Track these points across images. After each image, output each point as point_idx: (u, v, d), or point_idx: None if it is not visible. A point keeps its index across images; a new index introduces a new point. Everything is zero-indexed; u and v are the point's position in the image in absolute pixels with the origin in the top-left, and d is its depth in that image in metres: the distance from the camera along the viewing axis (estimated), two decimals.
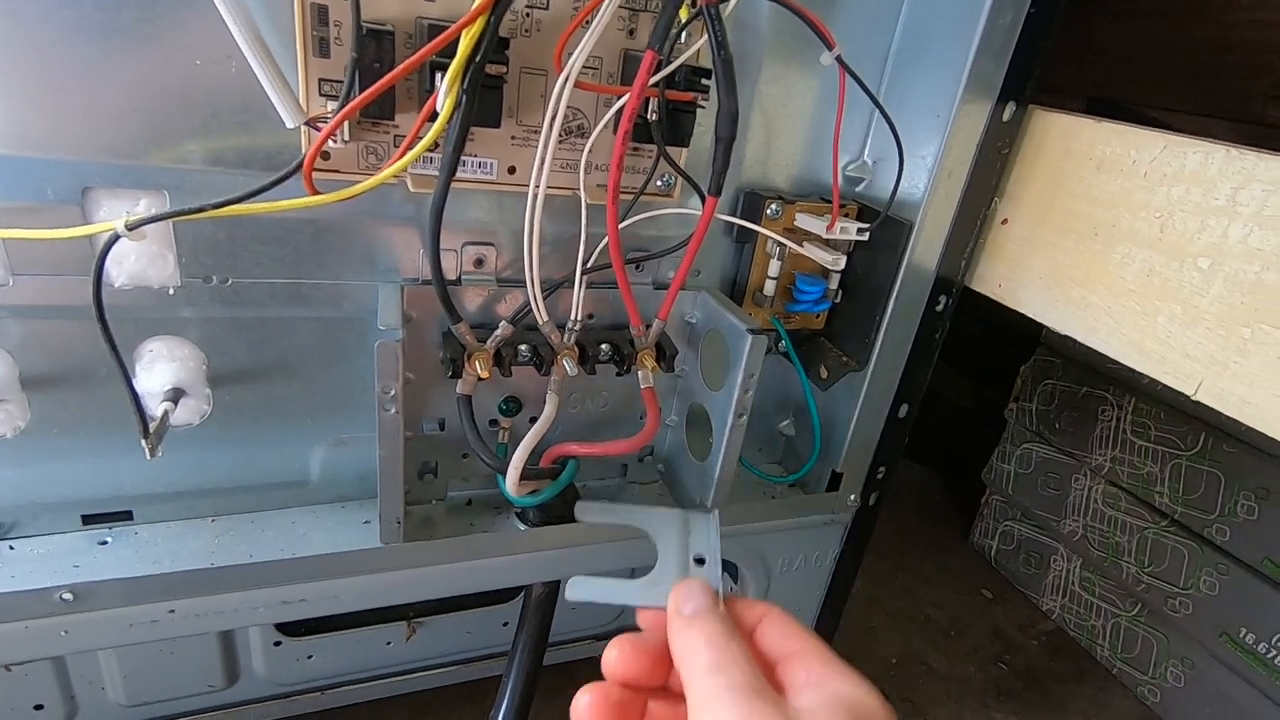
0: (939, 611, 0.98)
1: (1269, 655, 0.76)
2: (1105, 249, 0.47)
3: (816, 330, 0.60)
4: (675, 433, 0.61)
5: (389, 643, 0.68)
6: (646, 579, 0.31)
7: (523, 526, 0.53)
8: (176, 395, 0.44)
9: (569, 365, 0.49)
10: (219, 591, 0.44)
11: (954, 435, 1.29)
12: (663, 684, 0.28)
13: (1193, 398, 0.43)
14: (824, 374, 0.58)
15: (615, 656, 0.28)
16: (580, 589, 0.30)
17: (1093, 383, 0.94)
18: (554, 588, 0.56)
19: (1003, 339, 1.09)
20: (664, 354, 0.52)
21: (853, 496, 0.62)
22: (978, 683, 0.87)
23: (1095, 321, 0.48)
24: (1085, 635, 0.96)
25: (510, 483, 0.48)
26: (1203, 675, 0.83)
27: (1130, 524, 0.89)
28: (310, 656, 0.65)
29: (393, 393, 0.41)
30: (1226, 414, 0.41)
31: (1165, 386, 0.86)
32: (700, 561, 0.32)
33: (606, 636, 0.81)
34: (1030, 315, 0.53)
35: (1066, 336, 0.97)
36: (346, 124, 0.39)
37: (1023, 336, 1.03)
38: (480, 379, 0.48)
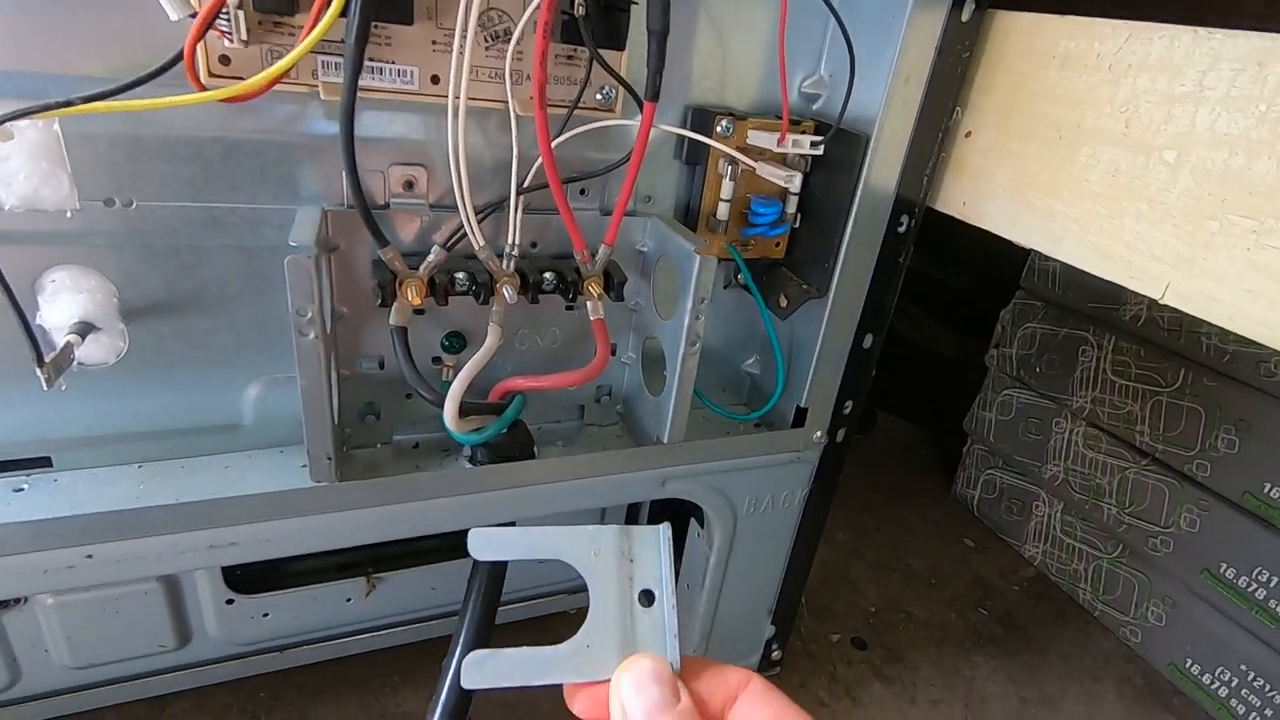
0: (920, 561, 0.97)
1: (1249, 589, 0.75)
2: (1070, 152, 0.45)
3: (776, 260, 0.57)
4: (633, 371, 0.58)
5: (348, 599, 0.66)
6: (574, 640, 0.23)
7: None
8: (85, 329, 0.41)
9: (509, 293, 0.47)
10: (141, 535, 0.42)
11: (939, 389, 1.28)
12: None
13: (1160, 301, 0.41)
14: (783, 303, 0.56)
15: None
16: (479, 674, 0.22)
17: (1073, 324, 0.92)
18: None
19: (987, 289, 1.07)
20: (612, 282, 0.50)
21: (819, 433, 0.60)
22: (958, 629, 0.86)
23: (1061, 230, 0.46)
24: (1067, 580, 0.95)
25: (449, 416, 0.45)
26: (1183, 612, 0.82)
27: (1111, 465, 0.88)
28: (266, 615, 0.63)
29: (309, 315, 0.38)
30: (1193, 314, 0.39)
31: (1145, 323, 0.84)
32: (648, 600, 0.24)
33: (580, 589, 0.79)
34: (994, 230, 0.50)
35: (1045, 278, 0.95)
36: (244, 23, 0.36)
37: (1007, 285, 1.01)
38: (414, 307, 0.45)
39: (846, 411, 0.61)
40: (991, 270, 1.08)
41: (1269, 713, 0.74)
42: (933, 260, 1.45)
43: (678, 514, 0.68)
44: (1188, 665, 0.81)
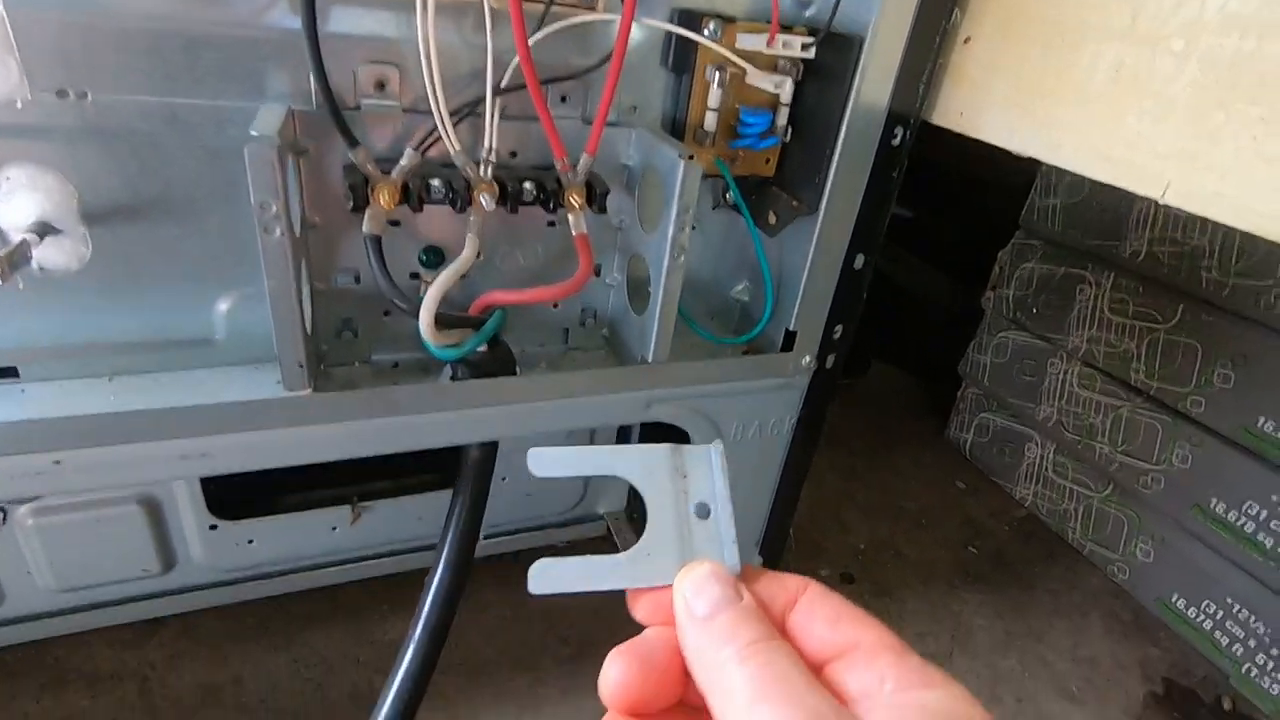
0: (911, 503, 0.97)
1: (1238, 523, 0.75)
2: (1073, 53, 0.43)
3: (766, 178, 0.55)
4: (618, 294, 0.57)
5: (334, 528, 0.66)
6: (634, 549, 0.23)
7: None
8: (44, 229, 0.40)
9: (486, 201, 0.45)
10: (111, 442, 0.41)
11: (935, 336, 1.27)
12: (679, 699, 0.21)
13: (1160, 201, 0.39)
14: (772, 220, 0.54)
15: (615, 679, 0.20)
16: (544, 580, 0.23)
17: (1071, 262, 0.90)
18: (490, 452, 0.53)
19: (985, 236, 1.05)
20: (594, 193, 0.48)
21: (807, 358, 0.59)
22: (946, 566, 0.87)
23: (1060, 136, 0.44)
24: (1057, 519, 0.95)
25: (424, 325, 0.44)
26: (1171, 549, 0.82)
27: (1105, 404, 0.87)
28: (251, 542, 0.63)
29: (273, 210, 0.37)
30: (1194, 212, 0.37)
31: (1145, 259, 0.82)
32: (704, 513, 0.25)
33: (569, 523, 0.79)
34: (991, 141, 0.48)
35: (1045, 217, 0.93)
36: None
37: (1006, 231, 0.99)
38: (387, 215, 0.44)
39: (837, 337, 0.59)
40: (990, 217, 1.06)
41: (1252, 643, 0.75)
42: (932, 209, 1.43)
43: (665, 439, 0.67)
44: (1174, 600, 0.82)
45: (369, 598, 0.70)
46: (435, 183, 0.45)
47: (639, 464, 0.24)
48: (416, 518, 0.69)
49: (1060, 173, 0.93)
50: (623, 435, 0.77)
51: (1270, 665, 0.73)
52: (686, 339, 0.61)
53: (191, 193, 0.43)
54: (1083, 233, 0.89)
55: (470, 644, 0.68)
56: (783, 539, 0.71)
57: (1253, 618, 0.75)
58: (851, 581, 0.82)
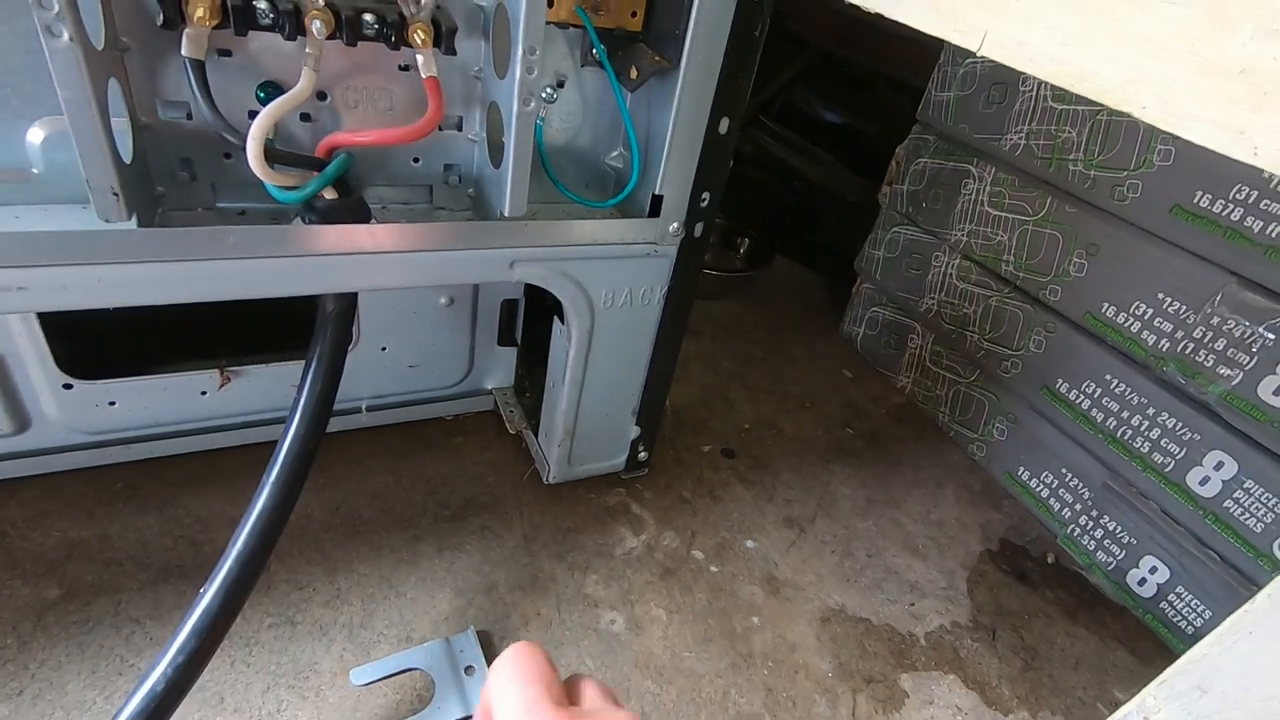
0: (798, 388, 1.02)
1: (1077, 401, 0.82)
2: None
3: (634, 33, 0.54)
4: (481, 149, 0.56)
5: (203, 392, 0.65)
6: (426, 711, 0.46)
7: None
8: None
9: (317, 28, 0.43)
10: None
11: (840, 233, 1.30)
12: None
13: (978, 53, 0.40)
14: (634, 74, 0.54)
15: None
16: None
17: (959, 157, 0.93)
18: (347, 305, 0.53)
19: (898, 136, 1.06)
20: (441, 31, 0.46)
21: (675, 224, 0.60)
22: (822, 444, 0.93)
23: None
24: (930, 405, 1.02)
25: (253, 158, 0.43)
26: (1022, 427, 0.89)
27: (978, 294, 0.92)
28: (113, 403, 0.62)
29: (55, 8, 0.34)
30: (1005, 63, 0.39)
31: (1022, 152, 0.85)
32: (469, 670, 0.49)
33: (456, 397, 0.80)
34: None
35: (940, 110, 0.95)
36: None
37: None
38: (204, 29, 0.41)
39: (704, 204, 0.60)
40: (902, 116, 1.06)
41: (1078, 507, 0.84)
42: (849, 110, 1.43)
43: (549, 316, 0.68)
44: (1019, 472, 0.90)
45: (247, 464, 0.70)
46: (261, 4, 0.42)
47: (425, 655, 0.40)
48: (291, 385, 0.69)
49: (955, 65, 0.94)
50: (508, 311, 0.77)
51: (1090, 525, 0.82)
52: (559, 205, 0.61)
53: None
54: (971, 127, 0.91)
55: (352, 507, 0.70)
56: (659, 407, 0.75)
57: (1081, 485, 0.84)
58: (732, 456, 0.87)
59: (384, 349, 0.71)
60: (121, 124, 0.43)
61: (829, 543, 0.78)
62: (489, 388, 0.82)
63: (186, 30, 0.41)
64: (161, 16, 0.39)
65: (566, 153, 0.61)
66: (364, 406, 0.74)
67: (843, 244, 1.23)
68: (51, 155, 0.45)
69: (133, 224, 0.43)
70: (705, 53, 0.52)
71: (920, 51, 1.06)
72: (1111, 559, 0.80)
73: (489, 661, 0.57)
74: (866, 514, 0.83)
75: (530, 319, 0.78)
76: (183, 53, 0.41)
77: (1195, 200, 0.70)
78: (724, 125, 0.56)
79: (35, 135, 0.44)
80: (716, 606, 0.68)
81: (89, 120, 0.37)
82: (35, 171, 0.45)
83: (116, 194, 0.40)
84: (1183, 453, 0.72)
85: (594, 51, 0.55)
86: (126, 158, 0.42)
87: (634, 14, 0.53)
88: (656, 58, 0.52)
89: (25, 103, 0.43)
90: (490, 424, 0.82)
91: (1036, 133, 0.83)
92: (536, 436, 0.77)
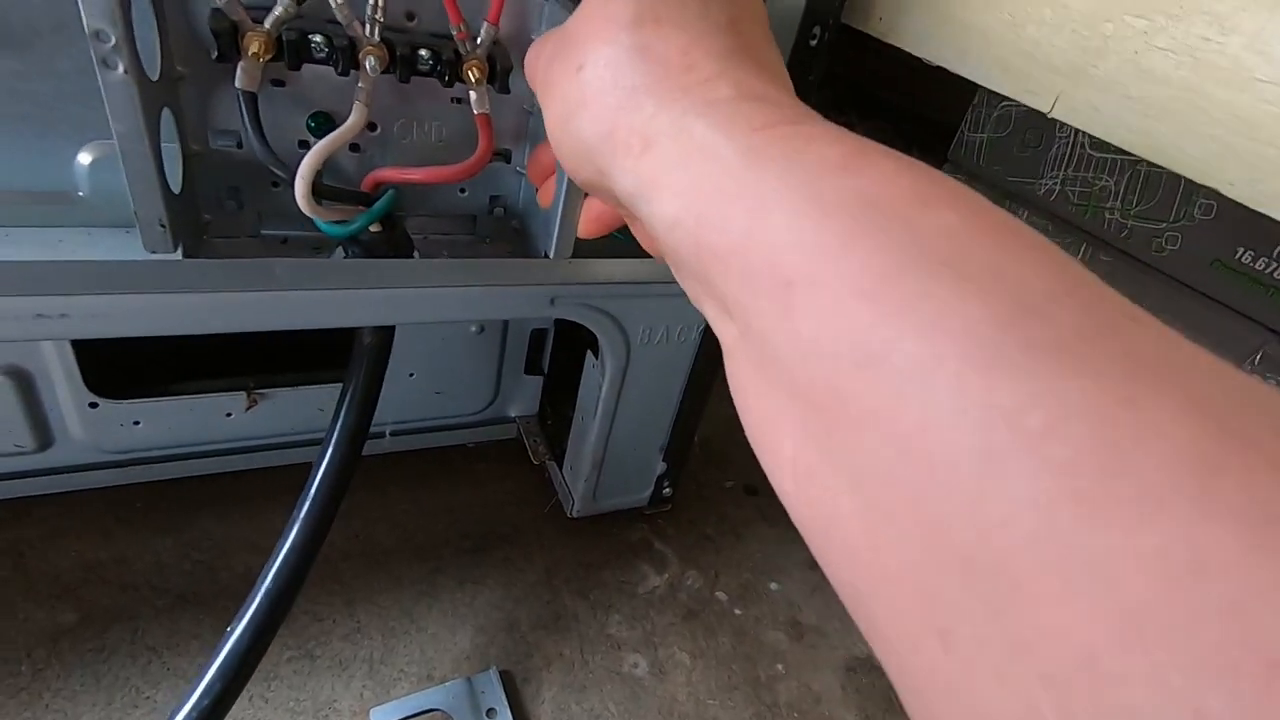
0: None
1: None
2: None
3: None
4: (529, 184, 0.55)
5: (229, 414, 0.64)
6: None
7: None
8: None
9: (371, 65, 0.42)
10: None
11: None
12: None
13: (1049, 114, 0.40)
14: None
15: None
16: None
17: (992, 198, 0.91)
18: (384, 339, 0.52)
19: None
20: (496, 69, 0.46)
21: None
22: None
23: (968, 43, 0.44)
24: None
25: (300, 195, 0.42)
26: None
27: None
28: (137, 423, 0.61)
29: (112, 41, 0.33)
30: (1077, 125, 0.38)
31: (1057, 198, 0.85)
32: (491, 713, 0.52)
33: (480, 424, 0.79)
34: (906, 47, 0.48)
35: (972, 151, 0.94)
36: None
37: (941, 164, 1.00)
38: (260, 67, 0.41)
39: None
40: (927, 150, 1.06)
41: None
42: (871, 135, 1.42)
43: (578, 350, 0.67)
44: None
45: (268, 487, 0.69)
46: (316, 39, 0.42)
47: (448, 695, 0.42)
48: (318, 409, 0.68)
49: (989, 107, 0.93)
50: (536, 342, 0.76)
51: None
52: (601, 241, 0.60)
53: (34, 24, 0.39)
54: (1004, 169, 0.90)
55: (372, 535, 0.69)
56: (687, 445, 0.73)
57: None
58: (755, 493, 0.86)
59: (411, 375, 0.71)
60: (172, 151, 0.43)
61: None
62: (512, 416, 0.81)
63: (241, 63, 0.40)
64: (216, 51, 0.39)
65: None
66: (388, 432, 0.73)
67: None
68: (97, 179, 0.44)
69: (178, 254, 0.42)
70: None
71: (951, 89, 1.06)
72: None
73: (511, 704, 0.56)
74: None
75: (557, 348, 0.77)
76: (236, 85, 0.40)
77: (1237, 256, 0.69)
78: None
79: (84, 159, 0.44)
80: (740, 652, 0.67)
81: (141, 153, 0.37)
82: (80, 194, 0.45)
83: (164, 226, 0.40)
84: None
85: None
86: (176, 187, 0.42)
87: None
88: None
89: (74, 127, 0.43)
90: (512, 452, 0.81)
91: (1072, 179, 0.83)
92: (560, 468, 0.76)
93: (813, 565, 0.78)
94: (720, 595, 0.72)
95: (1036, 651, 0.12)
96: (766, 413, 0.20)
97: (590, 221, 0.37)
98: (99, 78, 0.34)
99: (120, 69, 0.34)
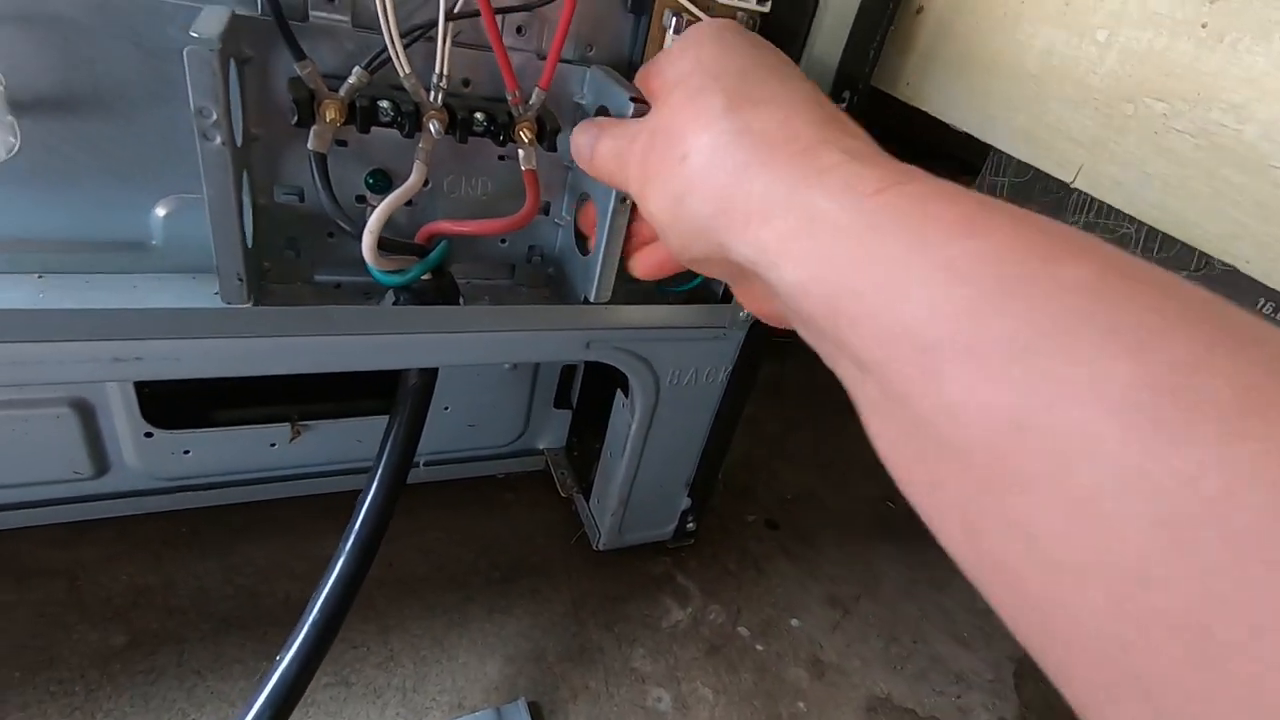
0: (839, 457, 1.02)
1: None
2: (1012, 30, 0.44)
3: None
4: (566, 233, 0.58)
5: (273, 444, 0.67)
6: None
7: None
8: None
9: (435, 128, 0.45)
10: (42, 339, 0.41)
11: None
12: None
13: (1071, 185, 0.42)
14: None
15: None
16: None
17: None
18: (429, 379, 0.54)
19: None
20: (545, 129, 0.49)
21: (745, 311, 0.61)
22: (865, 517, 0.92)
23: (993, 111, 0.46)
24: None
25: (367, 249, 0.45)
26: None
27: None
28: (187, 452, 0.64)
29: (213, 117, 0.37)
30: (1098, 198, 0.40)
31: None
32: None
33: (510, 456, 0.81)
34: (933, 113, 0.50)
35: (992, 194, 0.96)
36: None
37: None
38: (333, 133, 0.44)
39: None
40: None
41: None
42: None
43: (607, 386, 0.69)
44: None
45: (307, 514, 0.72)
46: (384, 104, 0.45)
47: None
48: (357, 440, 0.71)
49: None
50: (565, 381, 0.79)
51: None
52: (630, 285, 0.63)
53: (125, 90, 0.42)
54: None
55: (405, 563, 0.71)
56: (712, 481, 0.75)
57: None
58: (776, 528, 0.87)
59: (446, 409, 0.73)
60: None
61: (874, 625, 0.78)
62: (541, 448, 0.83)
63: (315, 127, 0.43)
64: (296, 117, 0.42)
65: None
66: (422, 462, 0.76)
67: None
68: (171, 229, 0.48)
69: (249, 303, 0.45)
70: None
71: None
72: None
73: None
74: (911, 596, 0.83)
75: (585, 382, 0.80)
76: (309, 147, 0.43)
77: (1259, 307, 0.70)
78: None
79: (160, 210, 0.47)
80: (762, 689, 0.68)
81: (228, 213, 0.40)
82: (154, 243, 0.48)
83: (241, 280, 0.42)
84: None
85: None
86: (249, 242, 0.45)
87: None
88: None
89: (154, 182, 0.46)
90: (540, 483, 0.83)
91: (1093, 225, 0.84)
92: (587, 500, 0.78)
93: (833, 602, 0.79)
94: (742, 630, 0.73)
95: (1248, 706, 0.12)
96: (923, 473, 0.20)
97: (651, 266, 0.40)
98: (198, 148, 0.37)
99: (218, 140, 0.37)
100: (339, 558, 0.51)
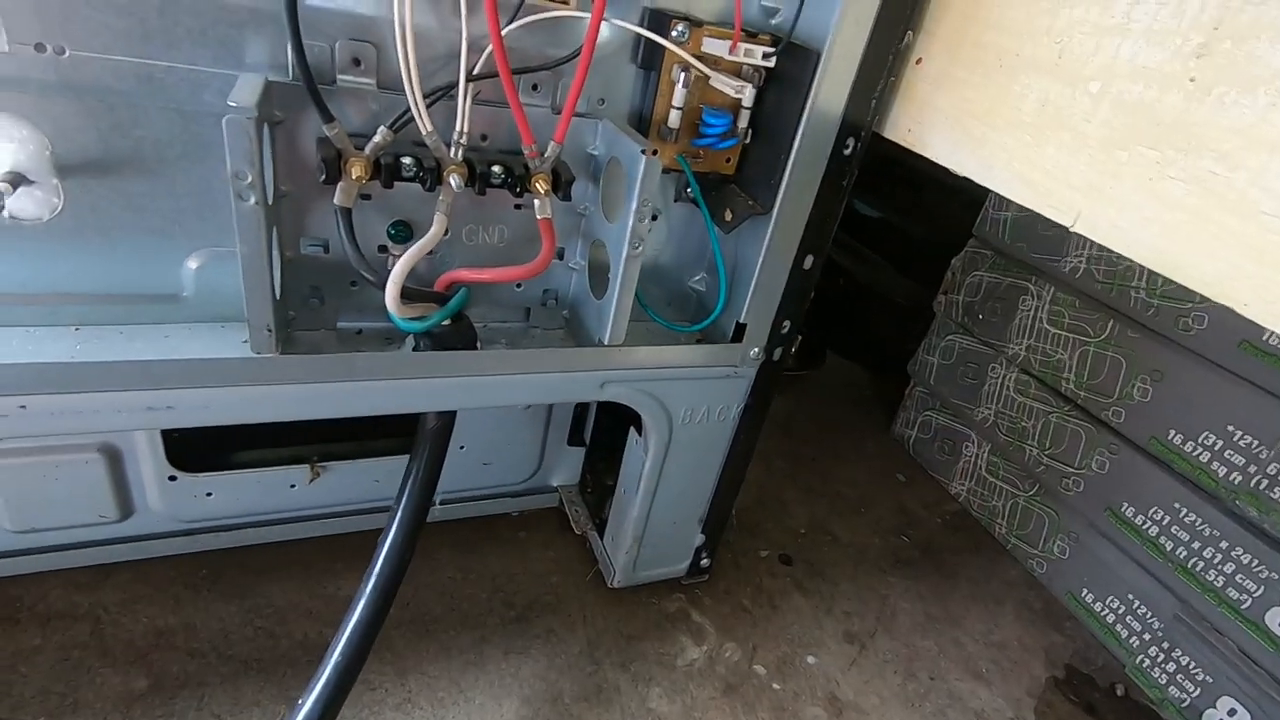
0: (851, 490, 1.02)
1: (1144, 526, 0.81)
2: (1008, 81, 0.46)
3: (726, 176, 0.58)
4: (580, 277, 0.60)
5: (293, 485, 0.68)
6: None
7: None
8: (16, 180, 0.41)
9: (455, 181, 0.47)
10: (78, 390, 0.43)
11: (889, 333, 1.31)
12: None
13: (1071, 229, 0.43)
14: (728, 217, 0.57)
15: None
16: None
17: (1017, 273, 0.95)
18: (448, 421, 0.56)
19: (944, 239, 1.09)
20: (560, 180, 0.51)
21: (756, 350, 0.62)
22: (878, 551, 0.92)
23: (993, 158, 0.48)
24: (986, 515, 1.01)
25: (390, 299, 0.46)
26: (1085, 547, 0.88)
27: (1037, 409, 0.93)
28: (210, 494, 0.65)
29: (248, 179, 0.39)
30: (1098, 241, 0.41)
31: (1082, 276, 0.87)
32: None
33: (524, 494, 0.82)
34: (935, 159, 0.52)
35: (997, 228, 0.98)
36: None
37: (964, 236, 1.03)
38: (359, 189, 0.46)
39: (784, 331, 0.63)
40: (950, 221, 1.10)
41: (1147, 637, 0.81)
42: (896, 210, 1.47)
43: (620, 423, 0.70)
44: (1083, 594, 0.88)
45: (324, 555, 0.72)
46: (407, 161, 0.47)
47: None
48: (374, 480, 0.72)
49: None
50: (579, 419, 0.80)
51: (1161, 658, 0.80)
52: (643, 324, 0.64)
53: (163, 152, 0.44)
54: (1029, 246, 0.93)
55: (422, 602, 0.71)
56: (724, 517, 0.75)
57: (1150, 614, 0.82)
58: (789, 563, 0.87)
59: (462, 447, 0.74)
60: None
61: (890, 661, 0.77)
62: (555, 485, 0.83)
63: (341, 184, 0.45)
64: (324, 175, 0.44)
65: (652, 275, 0.64)
66: (438, 501, 0.76)
67: (891, 344, 1.25)
68: (201, 281, 0.49)
69: (277, 352, 0.46)
70: (797, 201, 0.55)
71: None
72: (1186, 696, 0.77)
73: None
74: (926, 631, 0.82)
75: (598, 420, 0.81)
76: (335, 202, 0.45)
77: (1265, 338, 0.71)
78: (808, 262, 0.60)
79: (191, 264, 0.49)
80: None
81: (260, 269, 0.41)
82: (185, 295, 0.50)
83: (270, 330, 0.44)
84: (1260, 591, 0.71)
85: (688, 190, 0.59)
86: (277, 294, 0.46)
87: (728, 160, 0.57)
88: (750, 203, 0.56)
89: (187, 237, 0.48)
90: (553, 520, 0.83)
91: (1097, 258, 0.86)
92: (600, 537, 0.78)
93: (849, 638, 0.79)
94: (758, 669, 0.73)
95: None
96: None
97: None
98: (233, 208, 0.39)
99: (253, 200, 0.39)
100: (359, 600, 0.51)
